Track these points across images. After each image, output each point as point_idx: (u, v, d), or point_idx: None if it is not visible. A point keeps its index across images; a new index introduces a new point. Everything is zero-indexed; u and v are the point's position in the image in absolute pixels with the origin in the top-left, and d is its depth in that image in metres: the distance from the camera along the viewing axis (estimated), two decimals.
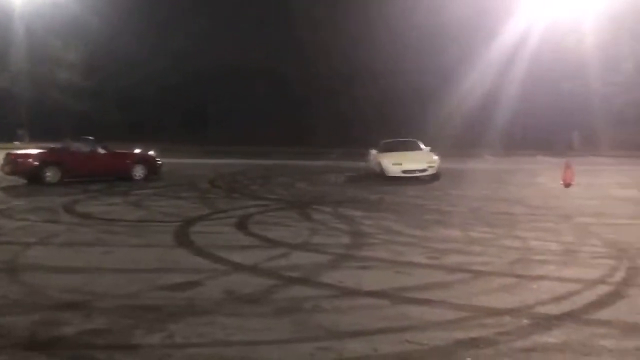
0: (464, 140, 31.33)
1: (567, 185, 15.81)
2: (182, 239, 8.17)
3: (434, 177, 17.36)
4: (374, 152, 19.09)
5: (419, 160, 17.60)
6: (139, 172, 16.87)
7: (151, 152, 18.21)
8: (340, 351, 4.12)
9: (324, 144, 33.50)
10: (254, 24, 39.69)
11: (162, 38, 39.62)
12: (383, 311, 4.98)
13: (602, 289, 5.65)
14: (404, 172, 17.04)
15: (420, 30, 34.91)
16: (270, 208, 11.56)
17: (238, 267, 6.52)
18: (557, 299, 5.32)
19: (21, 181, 15.61)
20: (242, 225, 9.37)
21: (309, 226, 9.32)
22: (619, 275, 6.21)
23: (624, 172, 21.57)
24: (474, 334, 4.42)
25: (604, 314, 4.92)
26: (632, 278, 6.13)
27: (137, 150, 18.30)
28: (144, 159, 17.51)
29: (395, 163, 17.23)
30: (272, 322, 4.71)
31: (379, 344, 4.23)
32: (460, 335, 4.40)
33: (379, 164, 17.60)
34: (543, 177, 18.87)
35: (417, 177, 17.06)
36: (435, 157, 17.81)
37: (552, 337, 4.37)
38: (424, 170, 17.18)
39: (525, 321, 4.71)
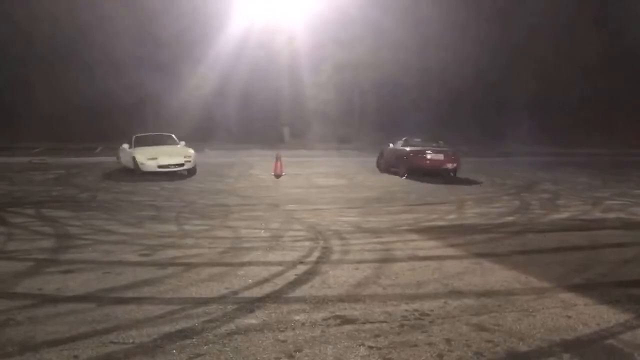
0: (187, 135, 31.40)
1: (278, 176, 17.17)
2: None
3: (190, 171, 17.12)
4: (126, 146, 17.90)
5: (176, 154, 17.15)
6: None
7: None
8: None
9: (28, 139, 29.90)
10: None
11: None
12: (87, 315, 4.72)
13: (301, 269, 6.27)
14: (160, 167, 16.43)
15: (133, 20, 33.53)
16: None
17: None
18: (261, 282, 5.72)
19: None
20: None
21: (4, 231, 8.27)
22: (315, 255, 6.97)
23: (326, 163, 24.17)
24: (180, 325, 4.48)
25: (300, 291, 5.47)
26: (326, 256, 6.93)
27: None
28: None
29: (150, 158, 16.48)
30: None
31: (80, 350, 4.00)
32: (167, 328, 4.42)
33: (134, 159, 16.65)
34: (257, 169, 20.04)
35: (174, 172, 16.72)
36: (191, 151, 17.50)
37: (254, 318, 4.69)
38: (180, 165, 16.79)
39: (230, 307, 4.95)
